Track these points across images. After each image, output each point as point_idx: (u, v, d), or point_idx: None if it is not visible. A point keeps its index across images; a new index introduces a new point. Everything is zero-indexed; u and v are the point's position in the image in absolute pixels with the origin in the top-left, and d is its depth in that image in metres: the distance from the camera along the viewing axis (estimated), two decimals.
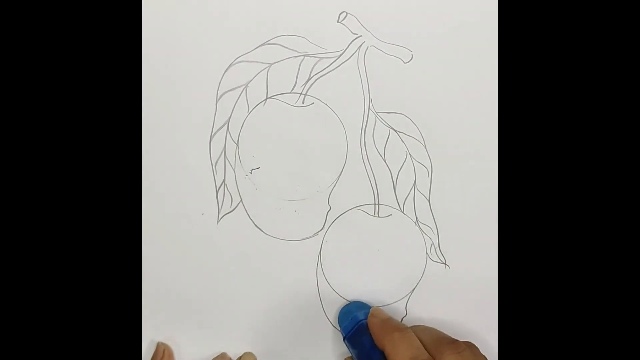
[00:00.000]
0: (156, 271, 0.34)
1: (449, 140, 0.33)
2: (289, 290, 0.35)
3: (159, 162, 0.34)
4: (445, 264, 0.34)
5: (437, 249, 0.34)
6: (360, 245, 0.34)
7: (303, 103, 0.33)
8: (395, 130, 0.33)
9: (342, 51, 0.33)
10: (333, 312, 0.35)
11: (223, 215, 0.34)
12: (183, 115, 0.33)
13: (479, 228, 0.34)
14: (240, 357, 0.35)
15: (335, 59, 0.33)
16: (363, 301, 0.34)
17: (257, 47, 0.33)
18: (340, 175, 0.34)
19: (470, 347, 0.30)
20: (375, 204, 0.34)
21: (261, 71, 0.33)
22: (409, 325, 0.32)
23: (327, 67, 0.33)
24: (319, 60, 0.33)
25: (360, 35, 0.33)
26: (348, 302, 0.34)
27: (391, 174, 0.34)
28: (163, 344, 0.35)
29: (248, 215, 0.34)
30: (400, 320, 0.34)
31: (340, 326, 0.34)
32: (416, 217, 0.34)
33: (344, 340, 0.33)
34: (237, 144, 0.34)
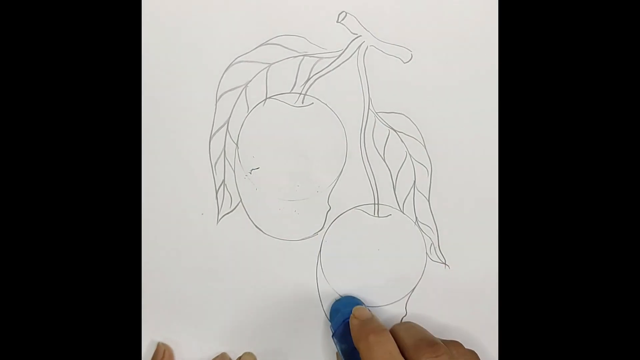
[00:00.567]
0: (156, 271, 0.34)
1: (449, 140, 0.33)
2: (288, 290, 0.35)
3: (159, 162, 0.34)
4: (445, 263, 0.34)
5: (437, 249, 0.34)
6: (360, 245, 0.34)
7: (303, 103, 0.33)
8: (395, 130, 0.33)
9: (342, 51, 0.33)
10: None
11: (223, 216, 0.34)
12: (183, 116, 0.33)
13: (479, 228, 0.34)
14: (240, 357, 0.35)
15: (334, 58, 0.33)
16: (360, 299, 0.34)
17: (257, 47, 0.33)
18: (339, 175, 0.34)
19: (456, 346, 0.29)
20: (375, 203, 0.34)
21: (261, 71, 0.33)
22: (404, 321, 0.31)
23: (326, 67, 0.33)
24: (318, 60, 0.33)
25: (360, 35, 0.33)
26: (339, 298, 0.34)
27: (391, 174, 0.34)
28: (163, 344, 0.35)
29: (248, 215, 0.34)
30: (400, 320, 0.34)
31: (330, 322, 0.34)
32: (416, 217, 0.34)
33: (332, 336, 0.33)
34: (237, 144, 0.34)
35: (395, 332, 0.30)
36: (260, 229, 0.34)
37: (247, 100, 0.33)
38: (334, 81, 0.33)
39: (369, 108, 0.33)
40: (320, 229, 0.34)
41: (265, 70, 0.33)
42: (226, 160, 0.34)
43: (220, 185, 0.34)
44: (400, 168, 0.34)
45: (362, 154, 0.34)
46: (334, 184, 0.34)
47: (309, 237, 0.34)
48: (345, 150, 0.34)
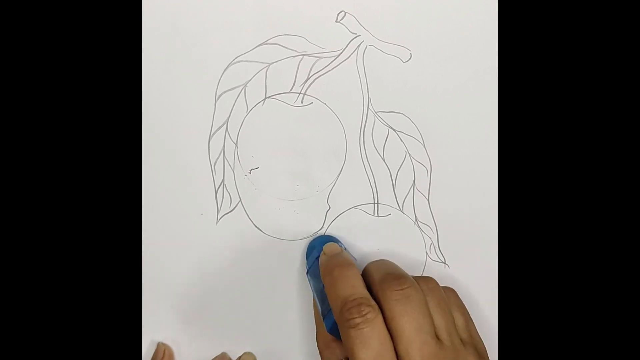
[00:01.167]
0: (156, 271, 0.34)
1: (449, 139, 0.33)
2: (288, 290, 0.35)
3: (158, 162, 0.34)
4: (444, 263, 0.34)
5: (437, 249, 0.34)
6: (360, 244, 0.34)
7: (302, 103, 0.33)
8: (394, 130, 0.33)
9: (341, 50, 0.33)
10: None
11: (222, 216, 0.34)
12: (182, 115, 0.33)
13: (479, 227, 0.34)
14: (240, 357, 0.35)
15: (334, 58, 0.33)
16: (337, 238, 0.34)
17: (256, 47, 0.33)
18: (339, 174, 0.34)
19: (427, 281, 0.27)
20: (374, 203, 0.34)
21: (260, 71, 0.33)
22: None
23: (326, 66, 0.33)
24: (317, 60, 0.33)
25: (359, 35, 0.33)
26: (316, 237, 0.34)
27: (390, 174, 0.34)
28: (163, 344, 0.35)
29: (247, 215, 0.34)
30: None
31: (306, 260, 0.33)
32: (415, 217, 0.34)
33: (306, 274, 0.32)
34: (236, 144, 0.34)
35: (366, 270, 0.29)
36: (259, 229, 0.34)
37: (246, 100, 0.33)
38: (333, 81, 0.33)
39: (368, 107, 0.33)
40: (320, 229, 0.34)
41: (265, 69, 0.33)
42: (225, 160, 0.34)
43: (220, 185, 0.34)
44: (400, 167, 0.34)
45: (361, 154, 0.34)
46: (333, 183, 0.34)
47: (308, 237, 0.34)
48: (345, 150, 0.34)
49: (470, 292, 0.34)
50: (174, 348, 0.35)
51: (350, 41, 0.33)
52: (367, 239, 0.34)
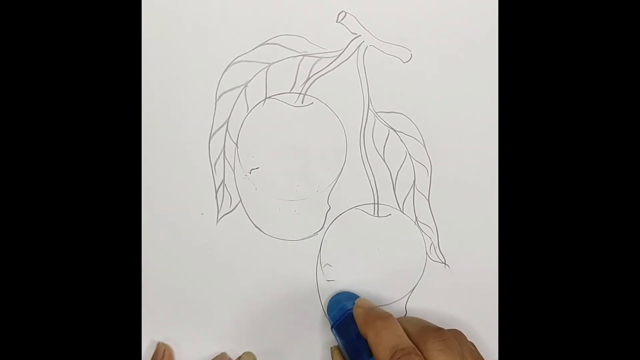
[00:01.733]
0: (156, 271, 0.34)
1: (449, 139, 0.33)
2: (288, 290, 0.35)
3: (158, 162, 0.34)
4: (444, 263, 0.34)
5: (437, 249, 0.34)
6: (360, 244, 0.34)
7: (302, 103, 0.33)
8: (394, 130, 0.33)
9: (341, 51, 0.33)
10: None
11: (222, 216, 0.34)
12: (182, 116, 0.33)
13: (479, 227, 0.34)
14: (240, 357, 0.35)
15: (334, 58, 0.33)
16: (360, 297, 0.34)
17: (256, 47, 0.33)
18: (339, 175, 0.34)
19: (456, 334, 0.29)
20: (374, 203, 0.34)
21: (260, 71, 0.33)
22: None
23: (326, 66, 0.33)
24: (318, 60, 0.33)
25: (360, 35, 0.33)
26: (338, 292, 0.34)
27: (390, 174, 0.34)
28: (163, 344, 0.35)
29: (247, 215, 0.34)
30: None
31: (328, 315, 0.34)
32: (415, 217, 0.34)
33: (331, 328, 0.33)
34: (237, 144, 0.34)
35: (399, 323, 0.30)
36: (260, 229, 0.34)
37: (246, 100, 0.33)
38: (334, 81, 0.33)
39: (368, 108, 0.33)
40: (320, 229, 0.34)
41: (265, 70, 0.33)
42: (226, 160, 0.34)
43: (220, 185, 0.34)
44: (400, 168, 0.34)
45: (361, 154, 0.34)
46: (333, 183, 0.34)
47: (308, 237, 0.34)
48: (345, 150, 0.34)
49: (470, 292, 0.34)
50: (174, 348, 0.35)
51: (351, 41, 0.33)
52: (367, 239, 0.34)
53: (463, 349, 0.28)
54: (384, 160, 0.34)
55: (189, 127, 0.33)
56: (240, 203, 0.34)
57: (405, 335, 0.29)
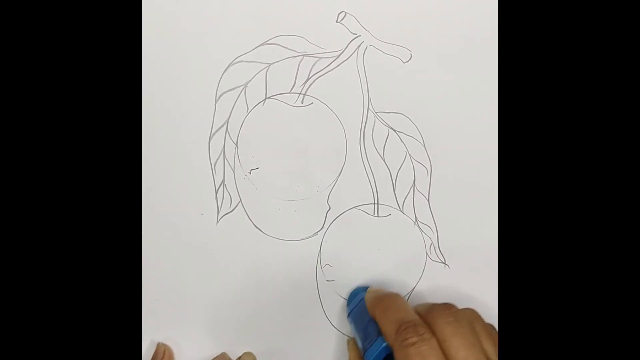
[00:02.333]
0: (156, 271, 0.34)
1: (448, 139, 0.33)
2: (288, 290, 0.35)
3: (158, 162, 0.34)
4: (444, 263, 0.34)
5: (437, 249, 0.34)
6: (360, 244, 0.34)
7: (302, 103, 0.33)
8: (394, 130, 0.33)
9: (341, 51, 0.33)
10: (333, 312, 0.35)
11: (222, 216, 0.34)
12: (182, 116, 0.33)
13: (479, 227, 0.34)
14: (240, 357, 0.35)
15: (334, 58, 0.33)
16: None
17: (256, 47, 0.33)
18: (339, 175, 0.34)
19: (469, 310, 0.29)
20: (374, 203, 0.34)
21: (260, 71, 0.33)
22: None
23: (326, 67, 0.33)
24: (318, 60, 0.33)
25: (359, 35, 0.33)
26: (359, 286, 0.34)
27: (390, 174, 0.34)
28: (163, 344, 0.35)
29: (247, 215, 0.34)
30: None
31: (347, 307, 0.34)
32: (415, 217, 0.34)
33: (347, 317, 0.33)
34: (236, 144, 0.34)
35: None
36: (259, 229, 0.34)
37: (246, 100, 0.33)
38: (334, 81, 0.33)
39: (368, 108, 0.33)
40: (320, 229, 0.34)
41: (265, 70, 0.33)
42: (226, 161, 0.34)
43: (220, 185, 0.34)
44: (400, 168, 0.34)
45: (361, 154, 0.34)
46: (333, 183, 0.34)
47: (308, 237, 0.34)
48: (345, 150, 0.34)
49: (470, 292, 0.34)
50: (174, 348, 0.35)
51: (351, 41, 0.33)
52: (367, 239, 0.34)
53: (475, 324, 0.28)
54: (384, 160, 0.34)
55: (188, 127, 0.33)
56: (240, 203, 0.34)
57: (412, 311, 0.29)
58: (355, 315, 0.32)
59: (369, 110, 0.33)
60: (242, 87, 0.33)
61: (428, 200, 0.34)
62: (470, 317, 0.28)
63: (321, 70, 0.33)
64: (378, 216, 0.34)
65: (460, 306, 0.29)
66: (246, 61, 0.33)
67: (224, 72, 0.33)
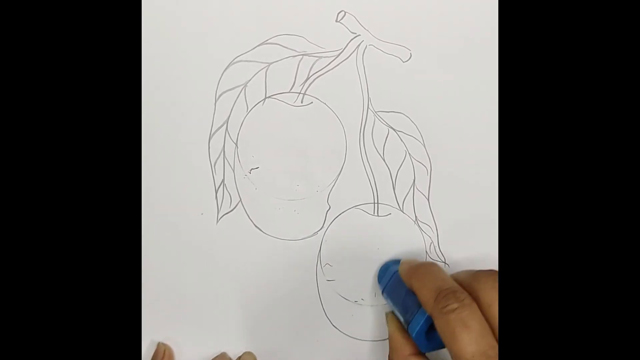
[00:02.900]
0: (156, 271, 0.34)
1: (448, 139, 0.33)
2: (288, 289, 0.35)
3: (158, 162, 0.34)
4: (444, 263, 0.34)
5: (437, 248, 0.34)
6: (360, 244, 0.34)
7: (302, 102, 0.33)
8: (394, 130, 0.33)
9: (341, 50, 0.33)
10: (333, 312, 0.35)
11: (222, 215, 0.34)
12: (182, 115, 0.33)
13: (479, 227, 0.34)
14: (240, 357, 0.35)
15: (333, 58, 0.33)
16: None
17: (256, 47, 0.33)
18: (339, 174, 0.34)
19: None
20: (374, 203, 0.34)
21: (260, 71, 0.33)
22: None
23: (325, 66, 0.33)
24: (317, 60, 0.33)
25: (359, 34, 0.33)
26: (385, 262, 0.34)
27: (390, 173, 0.34)
28: (163, 344, 0.35)
29: (247, 215, 0.34)
30: None
31: (379, 283, 0.34)
32: (415, 216, 0.34)
33: (382, 294, 0.33)
34: (236, 144, 0.34)
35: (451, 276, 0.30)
36: (259, 229, 0.34)
37: (246, 100, 0.33)
38: (333, 80, 0.33)
39: (368, 107, 0.33)
40: (320, 229, 0.34)
41: (264, 69, 0.33)
42: (225, 160, 0.34)
43: (220, 185, 0.34)
44: (400, 167, 0.34)
45: (361, 153, 0.34)
46: (333, 183, 0.34)
47: (308, 237, 0.34)
48: (345, 150, 0.34)
49: None
50: (174, 348, 0.35)
51: (350, 41, 0.33)
52: (367, 239, 0.34)
53: None
54: (384, 160, 0.34)
55: (188, 127, 0.33)
56: (240, 203, 0.34)
57: (450, 278, 0.28)
58: (390, 289, 0.32)
59: (369, 110, 0.33)
60: (242, 86, 0.33)
61: (428, 200, 0.34)
62: None
63: (321, 70, 0.33)
64: (378, 215, 0.34)
65: None
66: (246, 61, 0.33)
67: (224, 71, 0.33)
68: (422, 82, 0.33)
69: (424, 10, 0.32)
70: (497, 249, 0.34)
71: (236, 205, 0.34)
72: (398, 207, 0.34)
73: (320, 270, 0.34)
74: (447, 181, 0.34)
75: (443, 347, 0.28)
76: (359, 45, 0.33)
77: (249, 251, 0.34)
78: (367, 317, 0.35)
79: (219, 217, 0.34)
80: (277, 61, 0.33)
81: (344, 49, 0.33)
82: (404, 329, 0.30)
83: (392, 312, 0.32)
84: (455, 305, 0.26)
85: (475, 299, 0.27)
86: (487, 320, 0.26)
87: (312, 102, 0.33)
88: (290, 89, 0.33)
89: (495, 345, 0.26)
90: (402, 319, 0.31)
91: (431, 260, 0.34)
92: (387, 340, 0.33)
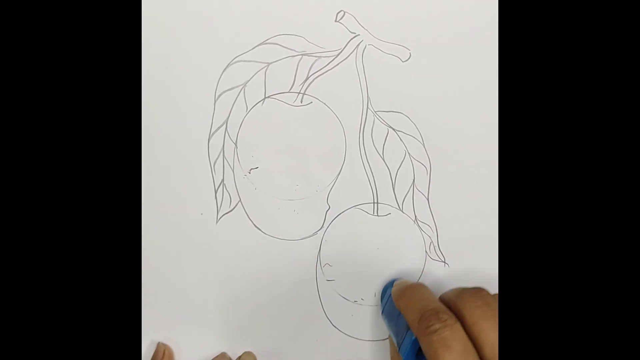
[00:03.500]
0: (156, 271, 0.34)
1: (448, 138, 0.33)
2: (288, 289, 0.35)
3: (158, 162, 0.34)
4: (444, 262, 0.34)
5: (437, 248, 0.34)
6: (360, 244, 0.34)
7: (301, 102, 0.33)
8: (393, 129, 0.33)
9: (340, 50, 0.33)
10: (333, 312, 0.35)
11: (222, 215, 0.34)
12: (182, 115, 0.33)
13: (479, 226, 0.34)
14: (240, 357, 0.35)
15: (333, 57, 0.33)
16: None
17: (255, 47, 0.33)
18: (339, 174, 0.34)
19: (495, 295, 0.28)
20: (374, 202, 0.34)
21: (259, 71, 0.33)
22: None
23: (325, 66, 0.33)
24: (317, 59, 0.33)
25: (358, 34, 0.33)
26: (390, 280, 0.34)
27: (390, 173, 0.34)
28: (163, 344, 0.35)
29: (247, 215, 0.34)
30: None
31: (380, 303, 0.34)
32: (415, 216, 0.34)
33: (381, 314, 0.33)
34: (236, 144, 0.34)
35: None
36: (259, 229, 0.34)
37: (245, 100, 0.33)
38: (333, 80, 0.33)
39: (367, 107, 0.33)
40: (320, 229, 0.34)
41: (264, 69, 0.33)
42: (225, 160, 0.34)
43: (219, 185, 0.34)
44: (400, 167, 0.34)
45: (361, 153, 0.34)
46: (333, 183, 0.34)
47: (308, 237, 0.34)
48: (344, 149, 0.34)
49: None
50: (174, 348, 0.35)
51: (350, 40, 0.33)
52: (367, 239, 0.34)
53: None
54: (384, 160, 0.34)
55: (188, 127, 0.33)
56: (239, 203, 0.34)
57: (435, 298, 0.28)
58: (387, 311, 0.32)
59: (368, 110, 0.33)
60: (242, 86, 0.33)
61: (428, 200, 0.34)
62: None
63: (320, 70, 0.33)
64: (378, 215, 0.34)
65: None
66: (245, 61, 0.33)
67: (223, 71, 0.33)
68: (421, 82, 0.33)
69: (423, 10, 0.32)
70: (497, 249, 0.34)
71: (236, 205, 0.34)
72: (398, 207, 0.34)
73: (320, 270, 0.34)
74: (446, 181, 0.34)
75: None
76: (358, 45, 0.33)
77: (248, 251, 0.34)
78: (367, 317, 0.35)
79: (218, 217, 0.34)
80: (277, 61, 0.33)
81: (344, 48, 0.33)
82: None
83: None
84: (437, 326, 0.26)
85: (460, 317, 0.27)
86: (471, 339, 0.26)
87: (311, 102, 0.33)
88: (290, 89, 0.33)
89: None
90: (395, 342, 0.31)
91: (431, 260, 0.34)
92: (387, 340, 0.33)
